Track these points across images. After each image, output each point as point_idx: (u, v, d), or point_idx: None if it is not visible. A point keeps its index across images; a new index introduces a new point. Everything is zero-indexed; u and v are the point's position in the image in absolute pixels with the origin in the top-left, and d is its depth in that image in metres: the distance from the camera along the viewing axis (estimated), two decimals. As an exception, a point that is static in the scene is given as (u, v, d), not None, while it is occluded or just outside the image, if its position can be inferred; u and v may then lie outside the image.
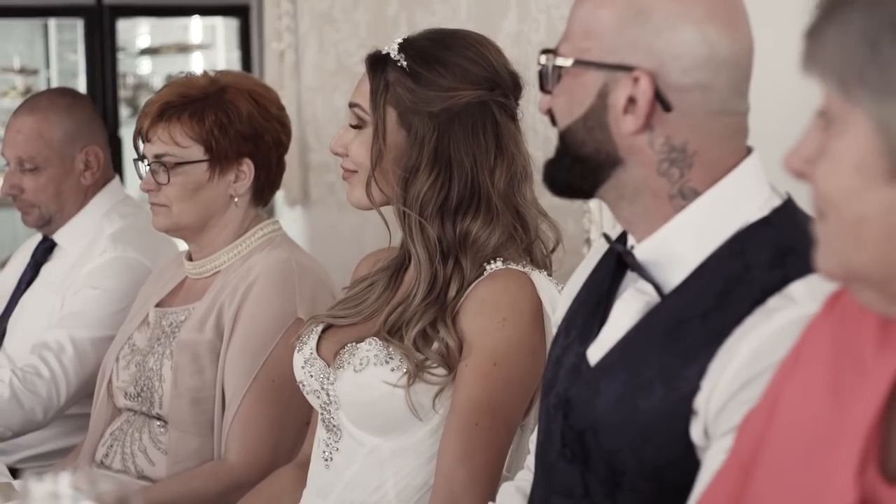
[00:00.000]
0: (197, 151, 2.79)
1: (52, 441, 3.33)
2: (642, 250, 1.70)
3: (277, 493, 2.52)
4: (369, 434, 2.28)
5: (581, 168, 1.71)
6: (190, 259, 2.92)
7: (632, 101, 1.66)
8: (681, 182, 1.67)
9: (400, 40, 2.34)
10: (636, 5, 1.66)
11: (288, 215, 5.84)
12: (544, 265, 2.34)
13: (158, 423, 2.79)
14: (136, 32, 6.89)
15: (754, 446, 1.36)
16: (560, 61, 1.70)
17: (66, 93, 3.67)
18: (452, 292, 2.26)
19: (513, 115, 2.33)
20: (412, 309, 2.26)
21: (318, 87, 4.94)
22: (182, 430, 2.74)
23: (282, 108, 2.90)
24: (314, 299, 2.76)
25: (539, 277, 2.26)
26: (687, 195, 1.68)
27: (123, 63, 6.52)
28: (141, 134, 2.83)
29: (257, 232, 2.88)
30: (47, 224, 3.47)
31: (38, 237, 3.58)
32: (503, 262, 2.26)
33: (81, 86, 6.44)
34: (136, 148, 2.87)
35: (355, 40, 4.57)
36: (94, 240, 3.37)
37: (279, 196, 5.41)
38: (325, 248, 4.88)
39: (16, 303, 3.50)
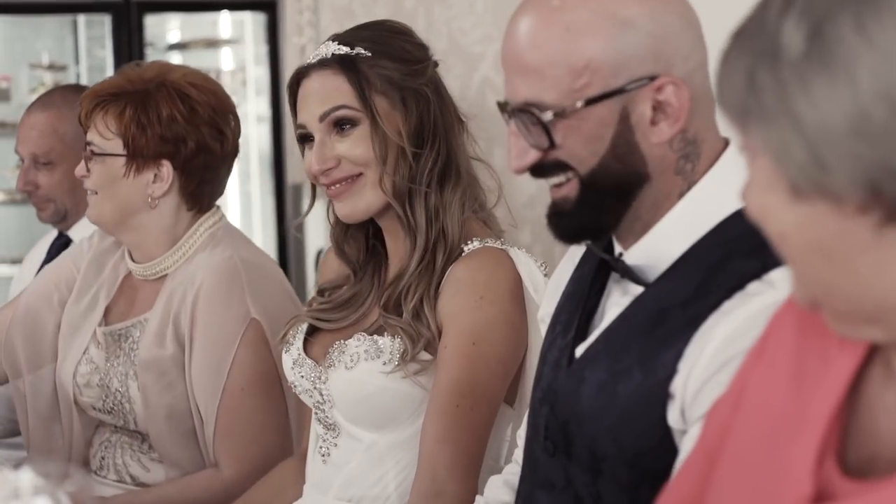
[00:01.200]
0: (117, 145, 2.69)
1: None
2: (634, 256, 1.69)
3: (280, 486, 2.52)
4: (366, 430, 2.28)
5: (614, 201, 1.66)
6: (133, 259, 2.82)
7: (656, 109, 1.63)
8: (691, 176, 1.67)
9: (333, 41, 2.31)
10: (613, 19, 1.63)
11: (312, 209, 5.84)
12: (497, 232, 2.34)
13: (140, 436, 2.74)
14: (166, 28, 6.90)
15: (720, 434, 1.36)
16: (569, 109, 1.62)
17: (79, 89, 3.68)
18: (439, 260, 2.25)
19: None
20: (407, 279, 2.26)
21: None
22: (167, 443, 2.70)
23: (222, 113, 2.74)
24: (266, 295, 2.69)
25: (518, 254, 2.25)
26: (690, 188, 1.67)
27: (152, 58, 6.52)
28: (79, 120, 2.77)
29: (198, 230, 2.77)
30: (63, 220, 3.49)
31: (54, 234, 3.60)
32: (480, 240, 2.25)
33: (110, 82, 6.44)
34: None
35: (376, 34, 4.56)
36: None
37: (305, 190, 5.41)
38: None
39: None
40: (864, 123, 1.09)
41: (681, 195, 1.66)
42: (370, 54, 2.27)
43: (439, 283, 2.24)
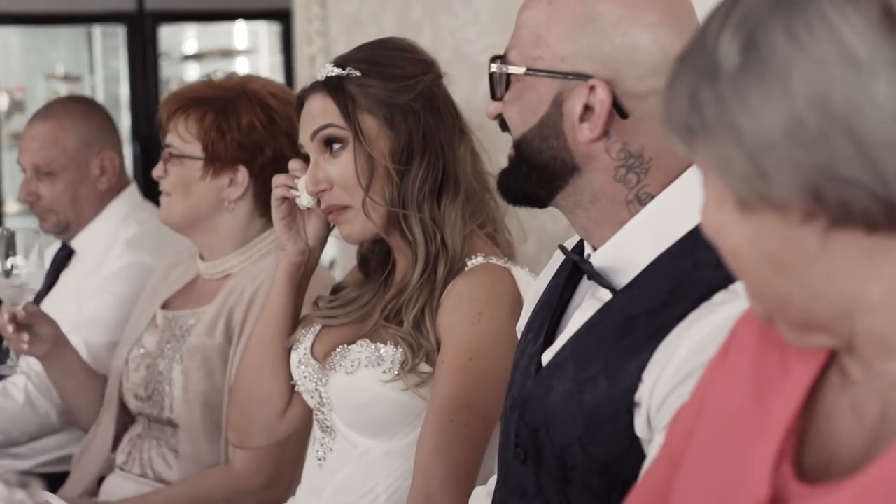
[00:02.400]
0: (196, 149, 2.80)
1: (70, 446, 3.35)
2: (599, 257, 1.70)
3: None
4: (361, 436, 2.29)
5: (538, 176, 1.70)
6: (202, 259, 2.93)
7: (588, 109, 1.65)
8: (637, 188, 1.67)
9: (330, 64, 2.34)
10: (587, 12, 1.65)
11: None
12: (510, 255, 2.34)
13: (171, 428, 2.80)
14: (183, 38, 6.93)
15: (683, 440, 1.37)
16: (512, 69, 1.69)
17: (80, 100, 3.72)
18: (440, 272, 2.26)
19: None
20: (409, 291, 2.27)
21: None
22: (192, 436, 2.76)
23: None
24: None
25: (520, 272, 2.27)
26: (643, 200, 1.68)
27: (168, 69, 6.56)
28: (159, 123, 2.87)
29: (269, 236, 2.86)
30: (65, 230, 3.49)
31: (58, 245, 3.61)
32: (484, 257, 2.26)
33: (124, 92, 6.48)
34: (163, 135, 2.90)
35: (384, 44, 4.56)
36: (110, 245, 3.39)
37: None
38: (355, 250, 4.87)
39: (34, 310, 3.52)
40: (799, 130, 1.10)
41: (628, 203, 1.67)
42: (359, 74, 2.29)
43: (440, 296, 2.25)
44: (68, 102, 3.61)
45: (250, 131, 2.79)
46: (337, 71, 2.30)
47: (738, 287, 1.55)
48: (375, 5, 4.58)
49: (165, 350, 2.84)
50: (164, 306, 2.94)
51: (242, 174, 2.81)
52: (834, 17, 1.10)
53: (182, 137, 2.80)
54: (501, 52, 1.73)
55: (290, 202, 2.38)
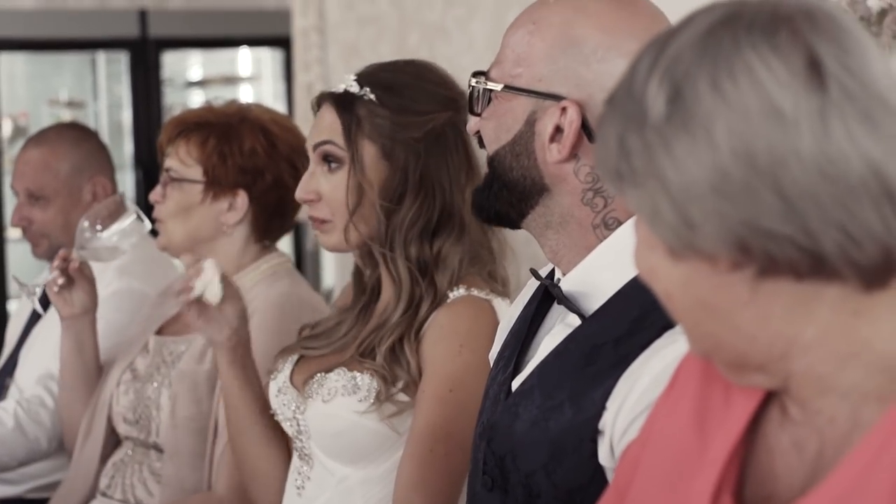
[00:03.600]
0: (196, 172, 2.81)
1: (60, 471, 3.34)
2: (568, 282, 1.71)
3: None
4: (339, 463, 2.28)
5: (508, 195, 1.72)
6: None
7: (558, 130, 1.67)
8: (604, 212, 1.68)
9: (354, 76, 2.33)
10: (568, 35, 1.67)
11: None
12: (504, 291, 2.33)
13: (156, 453, 2.79)
14: (186, 65, 6.95)
15: (630, 471, 1.37)
16: (490, 85, 1.70)
17: (74, 126, 3.75)
18: (423, 309, 2.26)
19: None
20: (386, 328, 2.27)
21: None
22: (178, 461, 2.75)
23: (298, 151, 2.83)
24: None
25: (501, 305, 2.27)
26: (610, 225, 1.68)
27: (171, 95, 6.58)
28: (159, 146, 2.89)
29: (262, 265, 2.88)
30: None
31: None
32: (466, 289, 2.25)
33: (127, 118, 6.50)
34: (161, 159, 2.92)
35: (381, 71, 4.58)
36: (100, 271, 3.38)
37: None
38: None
39: (27, 335, 3.53)
40: (723, 182, 1.10)
41: (595, 227, 1.68)
42: (373, 98, 2.29)
43: (421, 327, 2.25)
44: (62, 129, 3.64)
45: (252, 156, 2.80)
46: (354, 88, 2.31)
47: None
48: (373, 33, 4.60)
49: (154, 375, 2.84)
50: (158, 332, 2.94)
51: (242, 199, 2.82)
52: (758, 68, 1.10)
53: (183, 161, 2.82)
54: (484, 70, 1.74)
55: (198, 303, 2.34)
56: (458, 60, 3.99)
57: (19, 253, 6.31)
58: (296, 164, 2.83)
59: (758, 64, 1.10)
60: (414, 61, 2.43)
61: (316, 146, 2.33)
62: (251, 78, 6.94)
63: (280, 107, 6.49)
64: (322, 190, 2.32)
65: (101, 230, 2.79)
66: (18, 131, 6.39)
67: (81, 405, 2.99)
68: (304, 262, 6.20)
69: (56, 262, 2.86)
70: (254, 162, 2.81)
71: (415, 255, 2.28)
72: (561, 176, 1.68)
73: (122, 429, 2.89)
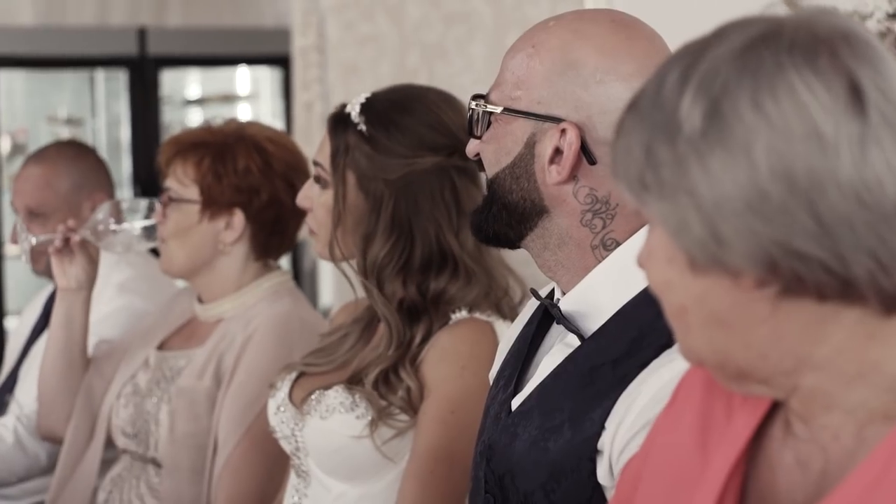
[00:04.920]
0: (193, 192, 2.83)
1: (59, 487, 3.34)
2: (567, 302, 1.72)
3: None
4: (336, 480, 2.30)
5: (508, 216, 1.73)
6: (200, 301, 2.95)
7: (558, 152, 1.68)
8: (603, 233, 1.69)
9: (363, 98, 2.35)
10: (567, 58, 1.68)
11: (326, 265, 5.87)
12: (511, 317, 2.33)
13: (154, 468, 2.80)
14: (184, 83, 6.96)
15: (632, 487, 1.38)
16: (490, 108, 1.71)
17: (73, 144, 3.75)
18: (416, 342, 2.28)
19: (473, 176, 2.34)
20: (377, 361, 2.28)
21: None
22: (175, 477, 2.76)
23: (295, 169, 2.87)
24: None
25: (502, 327, 2.28)
26: (608, 246, 1.69)
27: (169, 113, 6.59)
28: (159, 167, 2.91)
29: (263, 283, 2.89)
30: (57, 273, 3.49)
31: (51, 288, 3.61)
32: (468, 310, 2.26)
33: (126, 136, 6.51)
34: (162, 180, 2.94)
35: (379, 91, 4.59)
36: (101, 289, 3.38)
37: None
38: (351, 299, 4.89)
39: (27, 352, 3.53)
40: (760, 201, 1.10)
41: (594, 248, 1.69)
42: (364, 130, 2.32)
43: (419, 352, 2.27)
44: (61, 146, 3.65)
45: (246, 175, 2.82)
46: (355, 112, 2.33)
47: None
48: (373, 53, 4.61)
49: (154, 390, 2.85)
50: (159, 347, 2.95)
51: (238, 217, 2.83)
52: (801, 90, 1.10)
53: (180, 181, 2.83)
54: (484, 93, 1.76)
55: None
56: (458, 80, 4.00)
57: (18, 270, 6.32)
58: (292, 181, 2.84)
59: (801, 86, 1.10)
60: (428, 96, 2.42)
61: (314, 163, 2.41)
62: (249, 96, 6.95)
63: (278, 125, 6.49)
64: (314, 201, 2.40)
65: (119, 222, 2.85)
66: (17, 148, 6.40)
67: (61, 384, 2.98)
68: (302, 281, 6.21)
69: (61, 227, 2.88)
70: (248, 181, 2.82)
71: (395, 294, 2.30)
72: (560, 198, 1.69)
73: (120, 442, 2.89)
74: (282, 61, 6.31)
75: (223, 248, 2.85)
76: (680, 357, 1.53)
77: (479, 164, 1.78)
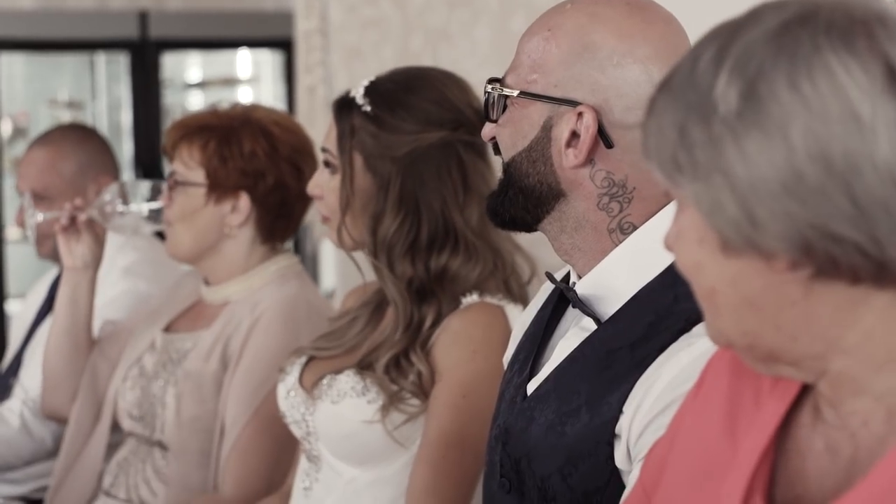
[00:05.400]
0: (199, 175, 2.82)
1: (65, 471, 3.34)
2: (583, 285, 1.72)
3: None
4: (347, 465, 2.29)
5: (524, 200, 1.72)
6: (207, 283, 2.95)
7: (574, 135, 1.67)
8: (620, 216, 1.69)
9: (367, 82, 2.36)
10: (583, 41, 1.67)
11: (328, 248, 5.86)
12: (521, 298, 2.33)
13: (160, 451, 2.80)
14: (185, 66, 6.95)
15: (657, 472, 1.37)
16: (506, 91, 1.71)
17: (78, 127, 3.76)
18: (427, 324, 2.27)
19: (480, 151, 2.34)
20: (386, 346, 2.28)
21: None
22: (182, 460, 2.75)
23: (301, 153, 2.87)
24: None
25: (513, 311, 2.28)
26: (625, 229, 1.69)
27: (170, 96, 6.58)
28: (165, 150, 2.91)
29: (270, 266, 2.89)
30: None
31: (56, 271, 3.61)
32: (479, 294, 2.26)
33: (127, 119, 6.50)
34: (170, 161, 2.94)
35: (383, 74, 4.59)
36: (106, 272, 3.38)
37: (316, 228, 5.44)
38: (355, 281, 4.89)
39: (32, 335, 3.53)
40: (796, 183, 1.09)
41: (610, 231, 1.69)
42: (368, 111, 2.33)
43: (430, 336, 2.26)
44: (66, 129, 3.65)
45: (252, 158, 2.81)
46: (359, 96, 2.34)
47: None
48: (376, 36, 4.60)
49: (160, 372, 2.84)
50: (166, 328, 2.94)
51: (244, 201, 2.83)
52: (838, 72, 1.09)
53: (186, 164, 2.83)
54: (499, 76, 1.75)
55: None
56: (462, 64, 3.99)
57: (18, 254, 6.32)
58: (298, 164, 2.84)
59: (838, 68, 1.09)
60: (430, 74, 2.43)
61: (322, 150, 2.40)
62: (251, 80, 6.94)
63: (280, 109, 6.49)
64: (323, 188, 2.40)
65: (126, 203, 2.86)
66: (18, 132, 6.39)
67: (65, 363, 2.99)
68: (303, 265, 6.21)
69: (68, 205, 2.90)
70: (254, 164, 2.81)
71: (405, 274, 2.30)
72: (577, 181, 1.69)
73: (126, 424, 2.89)
74: (283, 44, 6.30)
75: (229, 232, 2.85)
76: (699, 341, 1.55)
77: (496, 147, 1.78)
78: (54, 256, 3.50)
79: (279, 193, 2.85)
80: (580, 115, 1.66)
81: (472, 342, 2.23)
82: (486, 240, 2.32)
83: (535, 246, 2.70)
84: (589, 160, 1.67)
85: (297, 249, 6.30)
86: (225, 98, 6.91)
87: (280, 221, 2.89)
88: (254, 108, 2.93)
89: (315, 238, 5.76)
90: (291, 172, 2.84)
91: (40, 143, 3.51)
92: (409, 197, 2.30)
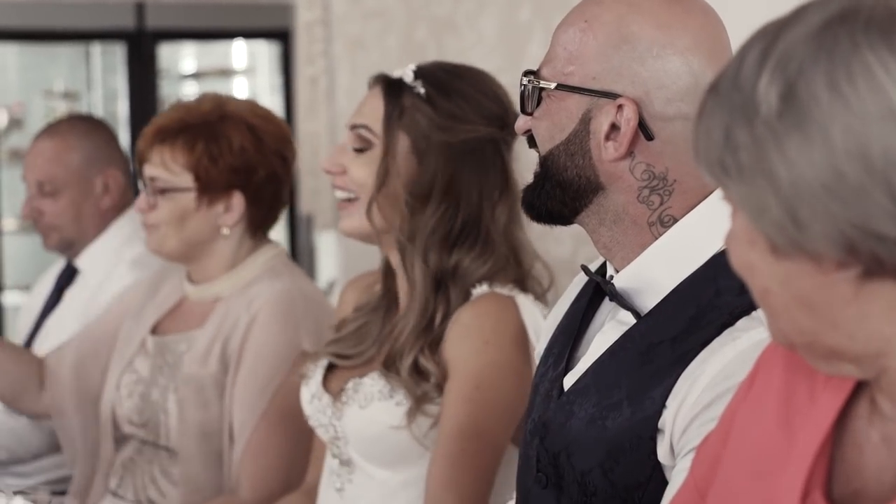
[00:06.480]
0: (186, 179, 2.71)
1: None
2: (622, 279, 1.70)
3: None
4: (379, 467, 2.28)
5: (562, 193, 1.70)
6: (190, 280, 2.86)
7: (614, 128, 1.66)
8: (660, 209, 1.67)
9: (414, 66, 2.32)
10: (622, 32, 1.66)
11: (324, 239, 5.85)
12: (538, 299, 2.32)
13: (166, 453, 2.75)
14: (180, 56, 6.93)
15: (710, 468, 1.36)
16: (543, 84, 1.69)
17: (86, 119, 3.72)
18: (438, 320, 2.25)
19: (514, 154, 2.33)
20: (403, 339, 2.26)
21: (351, 111, 4.93)
22: (191, 463, 2.70)
23: (284, 141, 2.79)
24: (319, 331, 2.69)
25: (524, 301, 2.25)
26: (666, 222, 1.68)
27: (166, 87, 6.55)
28: (138, 155, 2.78)
29: (258, 258, 2.80)
30: (69, 248, 3.48)
31: (62, 264, 3.60)
32: (489, 285, 2.25)
33: (123, 110, 6.47)
34: (138, 169, 2.80)
35: (386, 65, 4.57)
36: (115, 265, 3.37)
37: (317, 220, 5.43)
38: (358, 272, 4.88)
39: (39, 327, 3.51)
40: (837, 183, 1.09)
41: (651, 224, 1.68)
42: (422, 92, 2.28)
43: (443, 332, 2.24)
44: (74, 120, 3.61)
45: (242, 154, 2.71)
46: (409, 77, 2.30)
47: (761, 313, 1.54)
48: (379, 27, 4.59)
49: (158, 378, 2.76)
50: (154, 331, 2.85)
51: (238, 199, 2.74)
52: (876, 70, 1.09)
53: (169, 169, 2.71)
54: (526, 70, 1.73)
55: None
56: (468, 55, 3.97)
57: (15, 245, 6.29)
58: (285, 155, 2.78)
59: (876, 66, 1.09)
60: (476, 70, 2.40)
61: (353, 127, 2.33)
62: (246, 70, 6.92)
63: (277, 99, 6.48)
64: (347, 164, 2.33)
65: None
66: (13, 122, 6.37)
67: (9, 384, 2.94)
68: (300, 257, 6.19)
69: None
70: (245, 160, 2.72)
71: (433, 264, 2.27)
72: (616, 174, 1.67)
73: (127, 429, 2.82)
74: (280, 35, 6.28)
75: (224, 232, 2.76)
76: (744, 335, 1.54)
77: (530, 140, 1.76)
78: (61, 248, 3.49)
79: (272, 186, 2.77)
80: (620, 107, 1.64)
81: (483, 333, 2.21)
82: (509, 242, 2.30)
83: (541, 239, 2.68)
84: (629, 153, 1.66)
85: (294, 241, 6.29)
86: (221, 89, 6.89)
87: (271, 213, 2.83)
88: (225, 101, 2.80)
89: (313, 229, 5.74)
90: (280, 164, 2.77)
91: (47, 133, 3.49)
92: (454, 187, 2.28)
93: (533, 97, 1.71)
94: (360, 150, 2.32)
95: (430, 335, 2.24)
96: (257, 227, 2.81)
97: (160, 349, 2.80)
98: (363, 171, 2.31)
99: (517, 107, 1.77)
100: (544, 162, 1.72)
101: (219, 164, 2.70)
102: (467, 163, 2.29)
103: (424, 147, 2.28)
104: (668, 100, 1.64)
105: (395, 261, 2.35)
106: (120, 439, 2.85)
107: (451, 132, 2.28)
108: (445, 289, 2.27)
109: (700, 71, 1.64)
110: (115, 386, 2.82)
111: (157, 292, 2.92)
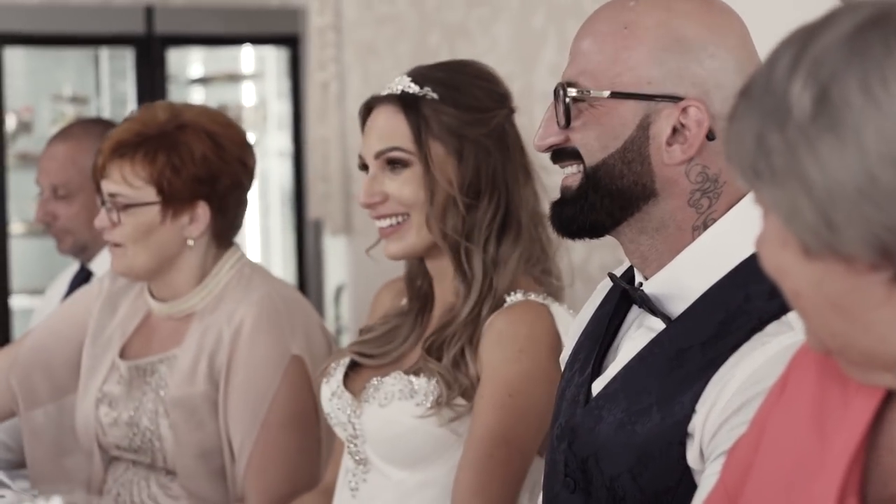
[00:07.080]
0: (149, 193, 2.65)
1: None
2: (652, 285, 1.70)
3: None
4: (395, 468, 2.27)
5: (611, 203, 1.68)
6: (153, 297, 2.78)
7: (675, 130, 1.65)
8: (707, 213, 1.68)
9: (407, 77, 2.30)
10: (672, 35, 1.66)
11: (331, 244, 5.85)
12: (559, 280, 2.32)
13: (165, 471, 2.70)
14: (189, 61, 6.92)
15: (741, 473, 1.37)
16: (594, 93, 1.66)
17: (100, 122, 3.72)
18: (485, 311, 2.25)
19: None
20: (454, 326, 2.25)
21: (362, 117, 4.93)
22: (194, 481, 2.66)
23: (244, 146, 2.73)
24: (305, 333, 2.67)
25: (558, 310, 2.26)
26: (708, 226, 1.68)
27: (175, 92, 6.55)
28: (96, 171, 2.71)
29: (223, 266, 2.74)
30: (82, 251, 3.49)
31: (76, 267, 3.60)
32: (524, 293, 2.24)
33: (132, 115, 6.45)
34: (96, 184, 2.73)
35: (398, 71, 4.57)
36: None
37: (326, 225, 5.42)
38: (368, 277, 4.88)
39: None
40: (871, 186, 1.09)
41: (695, 229, 1.67)
42: (436, 96, 2.27)
43: (478, 336, 2.24)
44: (88, 124, 3.62)
45: (204, 163, 2.65)
46: (414, 88, 2.28)
47: (790, 318, 1.55)
48: (392, 32, 4.59)
49: (144, 404, 2.69)
50: (122, 354, 2.78)
51: (203, 209, 2.68)
52: None
53: (130, 184, 2.65)
54: (560, 83, 1.70)
55: None
56: (481, 61, 3.98)
57: (24, 248, 6.29)
58: (245, 160, 2.72)
59: None
60: (460, 61, 2.42)
61: (379, 154, 2.29)
62: (254, 75, 6.92)
63: (285, 105, 6.47)
64: (389, 190, 2.29)
65: None
66: (22, 126, 6.36)
67: None
68: (307, 264, 6.19)
69: None
70: (208, 168, 2.66)
71: (490, 255, 2.27)
72: (673, 178, 1.66)
73: (117, 453, 2.75)
74: (289, 41, 6.28)
75: (190, 243, 2.70)
76: (774, 340, 1.54)
77: (555, 154, 1.73)
78: (75, 252, 3.49)
79: (236, 193, 2.72)
80: (685, 110, 1.64)
81: (518, 340, 2.21)
82: (537, 225, 2.31)
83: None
84: (696, 154, 1.65)
85: (301, 246, 6.28)
86: (229, 94, 6.88)
87: (236, 220, 2.77)
88: (181, 109, 2.74)
89: (322, 234, 5.73)
90: (242, 169, 2.71)
91: (61, 137, 3.49)
92: (498, 176, 2.28)
93: (571, 109, 1.68)
94: (395, 169, 2.29)
95: (476, 328, 2.24)
96: (222, 235, 2.76)
97: (137, 373, 2.73)
98: (408, 190, 2.28)
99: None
100: (594, 172, 1.68)
101: (182, 175, 2.64)
102: (499, 150, 2.29)
103: (460, 146, 2.27)
104: (725, 98, 1.64)
105: (437, 266, 2.34)
106: (108, 459, 2.79)
107: (481, 123, 2.28)
108: (490, 279, 2.27)
109: (747, 67, 1.65)
110: (92, 414, 2.75)
111: (114, 313, 2.85)
